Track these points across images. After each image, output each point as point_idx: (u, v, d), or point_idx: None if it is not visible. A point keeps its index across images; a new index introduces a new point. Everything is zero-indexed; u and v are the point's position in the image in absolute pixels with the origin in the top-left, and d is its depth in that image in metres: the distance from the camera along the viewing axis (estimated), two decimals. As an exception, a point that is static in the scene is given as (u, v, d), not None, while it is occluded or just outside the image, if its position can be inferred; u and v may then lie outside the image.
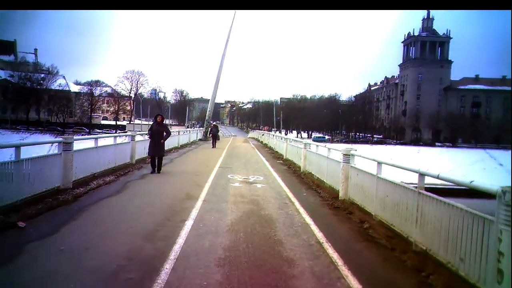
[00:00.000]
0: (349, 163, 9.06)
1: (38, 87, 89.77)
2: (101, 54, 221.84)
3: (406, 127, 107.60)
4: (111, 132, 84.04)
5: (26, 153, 7.48)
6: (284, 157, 19.89)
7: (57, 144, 9.12)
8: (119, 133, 31.80)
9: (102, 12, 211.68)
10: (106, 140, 13.46)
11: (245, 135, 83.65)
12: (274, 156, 22.29)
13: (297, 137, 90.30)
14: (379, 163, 7.25)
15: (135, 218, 6.85)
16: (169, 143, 23.18)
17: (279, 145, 24.12)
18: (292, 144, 18.94)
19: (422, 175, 5.57)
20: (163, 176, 12.23)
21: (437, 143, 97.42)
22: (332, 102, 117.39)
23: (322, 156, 11.99)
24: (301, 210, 7.97)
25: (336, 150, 10.83)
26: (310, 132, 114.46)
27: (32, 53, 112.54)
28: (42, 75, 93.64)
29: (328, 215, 7.89)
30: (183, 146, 26.69)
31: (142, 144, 16.07)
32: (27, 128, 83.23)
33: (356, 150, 9.20)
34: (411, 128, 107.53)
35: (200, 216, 7.07)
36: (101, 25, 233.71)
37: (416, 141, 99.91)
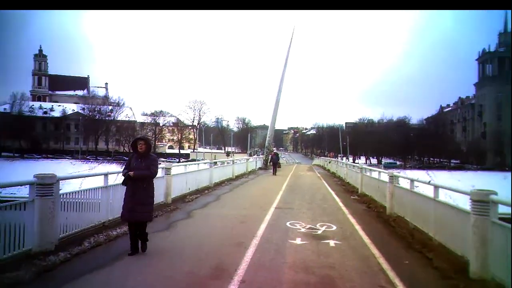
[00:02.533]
0: (487, 216, 5.28)
1: (106, 118, 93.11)
2: (166, 85, 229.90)
3: (487, 151, 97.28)
4: (174, 160, 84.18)
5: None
6: (359, 191, 15.95)
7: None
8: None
9: (166, 45, 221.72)
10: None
11: (309, 162, 79.22)
12: (346, 189, 18.34)
13: (366, 163, 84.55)
14: None
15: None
16: (221, 175, 19.99)
17: (351, 175, 20.19)
18: (369, 175, 15.11)
19: None
20: (193, 225, 9.01)
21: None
22: (401, 125, 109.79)
23: (423, 197, 8.16)
24: (416, 310, 4.28)
25: (448, 188, 7.04)
26: (379, 158, 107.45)
27: (103, 87, 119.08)
28: (110, 107, 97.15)
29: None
30: (238, 177, 23.59)
31: (181, 178, 13.21)
32: (95, 158, 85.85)
33: (497, 194, 5.39)
34: (492, 151, 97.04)
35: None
36: (165, 59, 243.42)
37: (501, 166, 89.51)
